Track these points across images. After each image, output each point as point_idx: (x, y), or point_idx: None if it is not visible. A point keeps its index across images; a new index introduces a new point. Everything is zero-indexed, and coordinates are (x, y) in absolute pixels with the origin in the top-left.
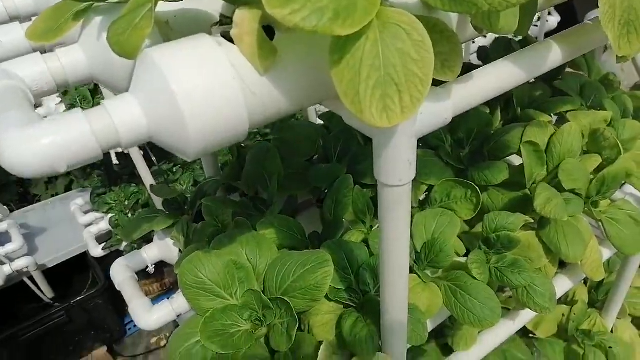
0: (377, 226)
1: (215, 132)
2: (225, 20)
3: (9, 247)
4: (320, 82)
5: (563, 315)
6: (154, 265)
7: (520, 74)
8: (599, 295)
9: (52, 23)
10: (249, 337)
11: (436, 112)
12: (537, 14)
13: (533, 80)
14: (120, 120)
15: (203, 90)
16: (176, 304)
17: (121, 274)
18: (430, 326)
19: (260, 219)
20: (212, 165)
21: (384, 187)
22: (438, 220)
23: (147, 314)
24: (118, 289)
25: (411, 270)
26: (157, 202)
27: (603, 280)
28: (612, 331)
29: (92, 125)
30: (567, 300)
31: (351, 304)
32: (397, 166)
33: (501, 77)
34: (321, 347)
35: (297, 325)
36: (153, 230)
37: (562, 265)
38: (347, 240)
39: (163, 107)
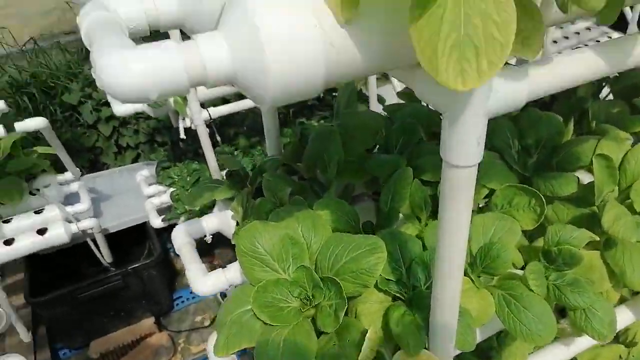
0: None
1: (292, 78)
2: None
3: (77, 207)
4: (397, 45)
5: (620, 357)
6: (211, 236)
7: (602, 65)
8: None
9: None
10: (297, 313)
11: (511, 92)
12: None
13: (611, 96)
14: (208, 56)
15: (285, 32)
16: (229, 274)
17: (181, 238)
18: (479, 337)
19: (317, 200)
20: (275, 145)
21: (449, 168)
22: (497, 224)
23: (203, 278)
24: (177, 252)
25: (465, 274)
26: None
27: None
28: None
29: (183, 57)
30: (627, 341)
31: (400, 296)
32: (465, 145)
33: (583, 65)
34: (368, 333)
35: (346, 308)
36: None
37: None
38: (402, 231)
39: (246, 43)
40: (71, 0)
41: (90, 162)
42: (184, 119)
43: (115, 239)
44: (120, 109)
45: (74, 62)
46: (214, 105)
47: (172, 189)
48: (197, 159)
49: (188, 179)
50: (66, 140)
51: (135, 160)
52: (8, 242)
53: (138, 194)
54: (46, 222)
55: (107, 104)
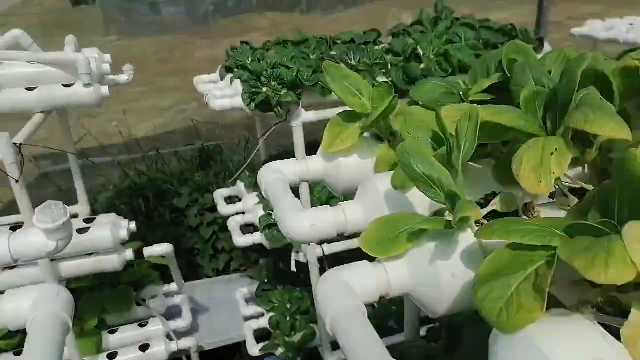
0: None
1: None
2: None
3: (179, 323)
4: None
5: None
6: None
7: None
8: None
9: (384, 235)
10: None
11: None
12: None
13: None
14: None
15: None
16: None
17: None
18: None
19: None
20: (414, 330)
21: None
22: None
23: None
24: None
25: None
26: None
27: None
28: None
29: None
30: None
31: None
32: None
33: None
34: None
35: None
36: None
37: None
38: None
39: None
40: (196, 119)
41: (187, 263)
42: (297, 252)
43: (206, 354)
44: (241, 240)
45: (187, 170)
46: (328, 242)
47: (271, 314)
48: (300, 286)
49: (288, 306)
50: (169, 241)
51: (228, 263)
52: (111, 356)
53: (235, 309)
54: (149, 337)
55: (211, 210)
